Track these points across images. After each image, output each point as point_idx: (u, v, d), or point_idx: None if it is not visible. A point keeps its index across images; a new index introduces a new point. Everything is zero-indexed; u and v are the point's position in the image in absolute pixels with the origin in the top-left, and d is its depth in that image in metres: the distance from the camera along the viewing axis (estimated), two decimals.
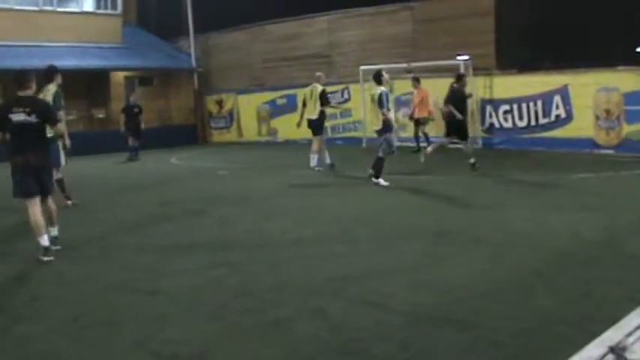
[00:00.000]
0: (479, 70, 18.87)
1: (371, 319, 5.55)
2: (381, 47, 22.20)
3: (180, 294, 6.55)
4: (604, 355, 2.83)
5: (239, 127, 27.25)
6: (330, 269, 7.18)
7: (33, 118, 7.98)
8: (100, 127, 25.60)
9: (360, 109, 20.86)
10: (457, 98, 14.74)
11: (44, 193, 8.26)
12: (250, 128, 26.70)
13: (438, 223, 9.48)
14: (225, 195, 13.18)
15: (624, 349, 2.77)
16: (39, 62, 17.39)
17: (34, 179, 8.07)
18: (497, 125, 19.08)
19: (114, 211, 11.95)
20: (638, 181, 12.98)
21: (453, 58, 18.92)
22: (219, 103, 27.81)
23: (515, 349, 4.81)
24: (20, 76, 8.25)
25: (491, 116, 19.16)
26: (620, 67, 16.78)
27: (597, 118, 16.90)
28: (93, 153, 21.38)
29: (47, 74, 11.48)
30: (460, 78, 15.23)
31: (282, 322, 5.59)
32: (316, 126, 15.89)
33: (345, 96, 22.67)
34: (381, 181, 13.07)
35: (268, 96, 25.85)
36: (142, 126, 21.11)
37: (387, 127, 13.14)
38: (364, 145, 20.95)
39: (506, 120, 18.92)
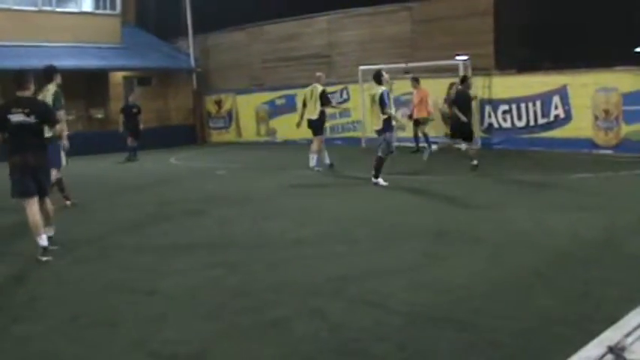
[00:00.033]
0: (478, 71, 18.86)
1: (370, 319, 5.55)
2: (380, 47, 22.20)
3: (178, 294, 6.55)
4: (603, 355, 2.81)
5: (238, 127, 27.25)
6: (330, 269, 7.18)
7: (32, 119, 7.99)
8: (99, 127, 25.60)
9: (359, 109, 20.85)
10: (462, 100, 14.76)
11: (42, 194, 8.27)
12: (249, 128, 26.70)
13: (437, 223, 9.48)
14: (224, 195, 13.18)
15: (623, 349, 2.75)
16: (38, 62, 17.35)
17: (32, 179, 8.08)
18: (496, 125, 19.08)
19: (113, 211, 11.94)
20: (637, 181, 12.99)
21: (452, 58, 18.91)
22: (218, 103, 27.80)
23: (515, 349, 4.81)
24: (19, 77, 8.25)
25: (490, 116, 19.15)
26: (618, 68, 16.79)
27: (596, 118, 16.90)
28: (92, 153, 21.36)
29: (47, 74, 11.46)
30: (465, 80, 15.21)
31: (281, 322, 5.59)
32: (316, 126, 15.89)
33: (344, 96, 22.67)
34: (380, 180, 13.07)
35: (267, 96, 25.84)
36: (141, 126, 21.11)
37: (387, 126, 13.14)
38: (363, 145, 20.95)
39: (505, 120, 18.91)
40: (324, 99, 15.91)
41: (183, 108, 28.20)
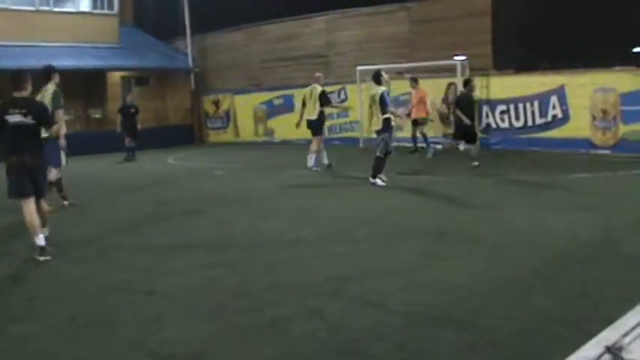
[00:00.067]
0: (476, 71, 18.87)
1: (369, 319, 5.55)
2: (378, 47, 22.22)
3: (177, 294, 6.55)
4: (600, 355, 2.82)
5: (236, 128, 27.24)
6: (329, 269, 7.18)
7: (29, 120, 8.00)
8: (97, 128, 25.58)
9: (357, 110, 20.83)
10: (465, 103, 14.76)
11: (38, 194, 8.27)
12: (247, 128, 26.70)
13: (436, 223, 9.49)
14: (222, 195, 13.17)
15: (621, 348, 2.76)
16: (35, 62, 17.34)
17: (29, 180, 8.08)
18: (493, 125, 19.08)
19: (111, 211, 11.94)
20: (634, 181, 13.00)
21: (450, 58, 18.94)
22: (216, 104, 27.79)
23: (514, 349, 4.81)
24: (16, 77, 8.26)
25: (488, 116, 19.16)
26: (616, 68, 16.82)
27: (594, 118, 16.92)
28: (90, 153, 21.34)
29: (45, 74, 11.47)
30: (468, 82, 15.19)
31: (280, 322, 5.59)
32: (315, 126, 15.91)
33: (342, 96, 22.66)
34: (378, 181, 13.09)
35: (265, 96, 25.84)
36: (139, 126, 21.12)
37: (386, 127, 13.15)
38: (361, 145, 20.94)
39: (502, 120, 18.92)
40: (324, 99, 15.93)
41: (181, 108, 28.20)
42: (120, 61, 25.85)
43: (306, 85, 16.50)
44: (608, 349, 2.70)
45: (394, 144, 13.88)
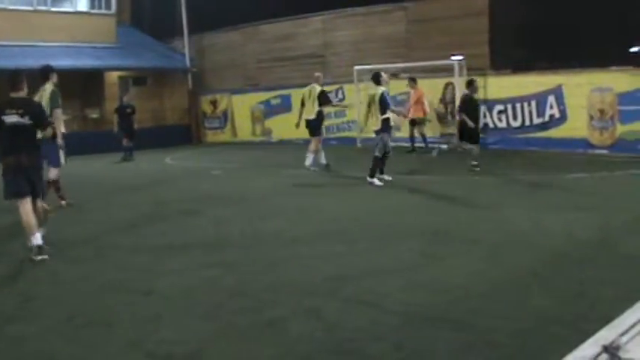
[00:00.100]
0: (473, 71, 18.86)
1: (367, 319, 5.56)
2: (375, 47, 22.22)
3: (175, 294, 6.55)
4: (598, 355, 2.82)
5: (233, 127, 27.24)
6: (326, 269, 7.18)
7: (26, 120, 8.01)
8: (94, 127, 25.54)
9: (354, 109, 20.82)
10: (469, 104, 14.74)
11: (35, 194, 8.27)
12: (244, 128, 26.69)
13: (434, 223, 9.49)
14: (220, 195, 13.17)
15: (618, 348, 2.76)
16: (33, 62, 17.32)
17: (26, 180, 8.09)
18: (491, 125, 19.09)
19: (108, 211, 11.93)
20: (631, 181, 13.02)
21: (447, 58, 18.94)
22: (214, 103, 27.78)
23: (512, 349, 4.82)
24: (12, 78, 8.27)
25: (485, 116, 19.16)
26: (613, 67, 16.84)
27: (591, 118, 16.94)
28: (87, 153, 21.31)
29: (43, 74, 11.49)
30: (471, 83, 15.09)
31: (278, 322, 5.59)
32: (314, 126, 15.90)
33: (340, 96, 22.63)
34: (376, 180, 13.10)
35: (262, 96, 25.84)
36: (135, 126, 21.10)
37: (385, 127, 13.16)
38: (359, 144, 20.93)
39: (500, 120, 18.94)
40: (323, 99, 15.94)
41: (178, 108, 28.18)
42: (117, 60, 25.82)
43: (304, 85, 16.51)
44: (606, 349, 2.71)
45: (392, 144, 13.89)
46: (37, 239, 8.01)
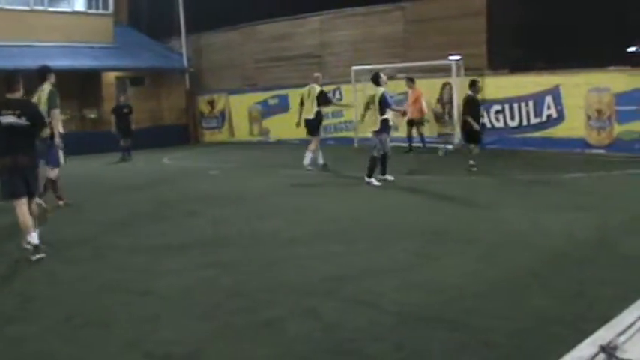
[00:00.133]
0: (470, 71, 18.88)
1: (364, 319, 5.56)
2: (373, 47, 22.21)
3: (172, 294, 6.55)
4: (595, 355, 2.83)
5: (231, 127, 27.23)
6: (324, 269, 7.18)
7: (23, 121, 8.04)
8: (92, 128, 25.53)
9: (351, 109, 20.81)
10: (473, 105, 14.71)
11: (30, 195, 8.28)
12: (242, 128, 26.68)
13: (431, 223, 9.50)
14: (217, 195, 13.17)
15: (615, 348, 2.77)
16: (30, 62, 17.34)
17: (22, 180, 8.10)
18: (488, 125, 19.06)
19: (106, 211, 11.92)
20: (629, 181, 13.03)
21: (445, 58, 18.94)
22: (211, 103, 27.78)
23: (509, 349, 4.82)
24: (8, 79, 8.30)
25: (482, 116, 19.14)
26: (611, 68, 16.86)
27: (588, 118, 16.96)
28: (85, 153, 21.29)
29: (41, 74, 11.52)
30: (474, 84, 15.01)
31: (275, 322, 5.59)
32: (313, 126, 15.91)
33: (338, 96, 22.57)
34: (373, 181, 13.11)
35: (260, 96, 25.84)
36: (133, 126, 21.09)
37: (384, 127, 13.17)
38: (356, 145, 20.93)
39: (497, 120, 18.95)
40: (323, 99, 15.95)
41: (175, 108, 28.17)
42: (115, 61, 25.81)
43: (302, 85, 16.54)
44: (603, 349, 2.71)
45: (391, 144, 13.89)
46: (34, 238, 8.02)
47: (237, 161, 19.87)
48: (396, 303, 5.91)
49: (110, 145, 21.53)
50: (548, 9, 18.44)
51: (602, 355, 2.74)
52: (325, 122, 21.45)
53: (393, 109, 13.55)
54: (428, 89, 19.67)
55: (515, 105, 18.44)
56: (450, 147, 18.37)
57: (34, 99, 11.15)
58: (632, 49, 18.11)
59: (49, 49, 23.18)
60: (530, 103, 18.14)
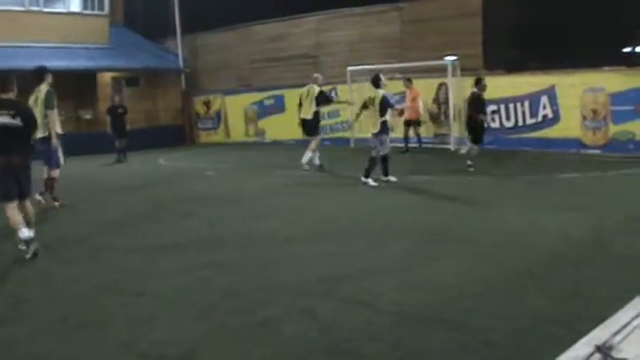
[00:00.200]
0: (466, 71, 18.89)
1: (361, 319, 5.55)
2: (369, 48, 22.22)
3: (168, 294, 6.53)
4: (591, 354, 2.84)
5: (226, 128, 27.20)
6: (320, 269, 7.17)
7: (18, 121, 8.05)
8: (88, 128, 25.48)
9: (347, 110, 20.81)
10: (478, 104, 14.68)
11: (22, 196, 8.28)
12: (238, 129, 26.66)
13: (429, 223, 9.50)
14: (213, 195, 13.15)
15: (611, 347, 2.78)
16: (25, 63, 17.33)
17: (14, 181, 8.11)
18: (484, 125, 19.07)
19: (102, 211, 11.90)
20: (624, 181, 13.05)
21: (441, 58, 18.95)
22: (207, 104, 27.74)
23: (507, 348, 4.82)
24: (2, 79, 8.31)
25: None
26: (606, 68, 16.90)
27: (584, 118, 16.98)
28: (81, 154, 21.24)
29: (38, 74, 11.54)
30: (479, 81, 14.92)
31: (271, 322, 5.58)
32: (311, 126, 15.92)
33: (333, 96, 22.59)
34: (370, 181, 13.11)
35: (256, 96, 25.81)
36: (128, 127, 21.07)
37: (384, 129, 13.17)
38: (352, 145, 20.94)
39: (493, 120, 18.93)
40: (322, 99, 15.98)
41: (171, 109, 28.14)
42: (110, 61, 25.77)
43: (298, 86, 16.56)
44: (599, 349, 2.72)
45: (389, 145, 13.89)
46: (24, 233, 8.02)
47: (232, 162, 19.85)
48: (394, 303, 5.90)
49: (106, 146, 21.49)
50: (544, 10, 18.50)
51: (597, 355, 2.75)
52: (321, 122, 21.50)
53: (396, 109, 13.59)
54: (424, 89, 19.68)
55: (511, 105, 18.44)
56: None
57: (32, 99, 11.18)
58: (627, 49, 18.18)
59: (45, 50, 23.13)
60: (526, 104, 18.15)
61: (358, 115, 14.09)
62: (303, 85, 16.57)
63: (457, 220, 9.61)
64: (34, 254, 8.04)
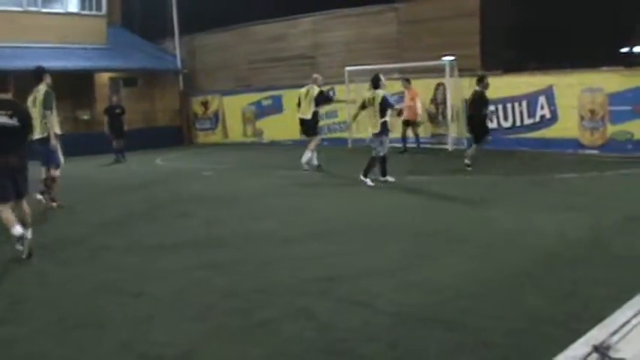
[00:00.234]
0: (464, 71, 18.91)
1: (359, 319, 5.55)
2: (366, 48, 22.23)
3: (166, 295, 6.52)
4: (588, 354, 2.84)
5: (224, 128, 27.20)
6: (318, 269, 7.17)
7: (15, 122, 8.04)
8: (85, 129, 25.46)
9: (345, 110, 20.81)
10: (481, 102, 14.65)
11: (19, 196, 8.27)
12: (236, 129, 26.65)
13: (426, 223, 9.51)
14: (211, 196, 13.15)
15: (608, 347, 2.79)
16: (23, 63, 17.30)
17: (11, 182, 8.10)
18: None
19: (100, 212, 11.88)
20: (622, 181, 13.05)
21: (439, 58, 18.96)
22: (205, 105, 27.74)
23: (504, 349, 4.82)
24: (0, 79, 8.28)
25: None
26: (604, 68, 16.92)
27: (582, 118, 16.99)
28: (78, 154, 21.19)
29: (36, 75, 11.56)
30: (482, 79, 14.88)
31: (269, 322, 5.58)
32: (310, 125, 15.93)
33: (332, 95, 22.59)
34: (368, 180, 13.11)
35: (254, 97, 25.80)
36: (125, 127, 21.05)
37: (384, 129, 13.17)
38: (349, 145, 20.94)
39: (491, 120, 18.92)
40: (323, 98, 16.01)
41: (169, 109, 28.13)
42: (108, 62, 25.75)
43: (295, 86, 16.55)
44: (596, 349, 2.72)
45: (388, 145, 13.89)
46: (17, 230, 8.01)
47: (230, 162, 19.85)
48: (391, 303, 5.90)
49: (103, 146, 21.46)
50: (541, 10, 18.52)
51: (595, 355, 2.76)
52: (320, 123, 21.48)
53: (396, 109, 13.61)
54: (422, 90, 19.69)
55: (509, 105, 18.45)
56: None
57: (30, 100, 11.19)
58: (625, 49, 18.18)
59: (42, 50, 23.10)
60: (524, 104, 18.17)
61: (356, 115, 14.11)
62: (300, 86, 16.58)
63: (455, 221, 9.61)
64: (29, 254, 8.02)
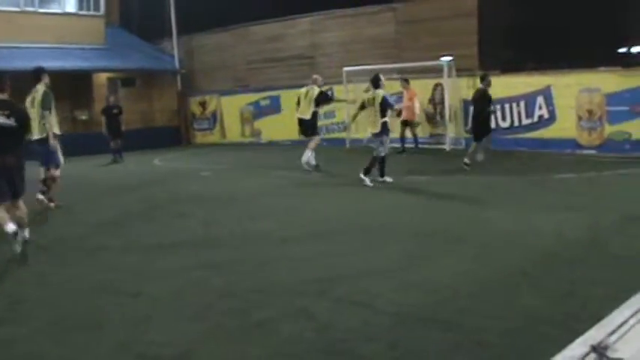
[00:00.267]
0: (462, 71, 18.93)
1: (357, 319, 5.55)
2: (364, 48, 22.22)
3: (164, 295, 6.52)
4: (586, 354, 2.85)
5: (222, 129, 27.19)
6: (317, 269, 7.17)
7: (12, 122, 8.03)
8: (84, 129, 25.43)
9: (343, 110, 20.82)
10: (486, 100, 14.65)
11: (15, 196, 8.26)
12: (234, 129, 26.64)
13: (424, 223, 9.51)
14: (209, 196, 13.14)
15: (606, 347, 2.79)
16: (20, 64, 17.28)
17: (8, 182, 8.09)
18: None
19: (98, 212, 11.87)
20: (620, 181, 13.06)
21: (437, 59, 18.97)
22: (203, 105, 27.73)
23: (502, 348, 4.82)
24: None
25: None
26: (602, 68, 16.92)
27: (580, 118, 17.00)
28: (76, 155, 21.15)
29: (35, 75, 11.56)
30: (485, 77, 14.89)
31: (267, 322, 5.58)
32: (309, 125, 15.92)
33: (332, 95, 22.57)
34: (366, 180, 13.11)
35: (252, 97, 25.79)
36: (123, 127, 21.03)
37: (384, 129, 13.18)
38: (348, 146, 20.95)
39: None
40: (323, 98, 16.00)
41: (167, 109, 28.11)
42: (106, 62, 25.72)
43: (293, 86, 16.54)
44: (594, 349, 2.73)
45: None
46: (11, 227, 7.98)
47: (228, 162, 19.84)
48: (391, 303, 5.90)
49: (101, 147, 21.44)
50: (539, 10, 18.51)
51: (593, 355, 2.76)
52: (318, 123, 21.46)
53: (395, 109, 13.62)
54: (420, 90, 19.69)
55: (507, 106, 18.45)
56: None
57: (28, 100, 11.19)
58: (623, 49, 18.20)
59: (40, 50, 23.08)
60: (522, 104, 18.17)
61: (355, 115, 14.11)
62: (299, 86, 16.59)
63: (454, 221, 9.62)
64: (23, 253, 8.01)
